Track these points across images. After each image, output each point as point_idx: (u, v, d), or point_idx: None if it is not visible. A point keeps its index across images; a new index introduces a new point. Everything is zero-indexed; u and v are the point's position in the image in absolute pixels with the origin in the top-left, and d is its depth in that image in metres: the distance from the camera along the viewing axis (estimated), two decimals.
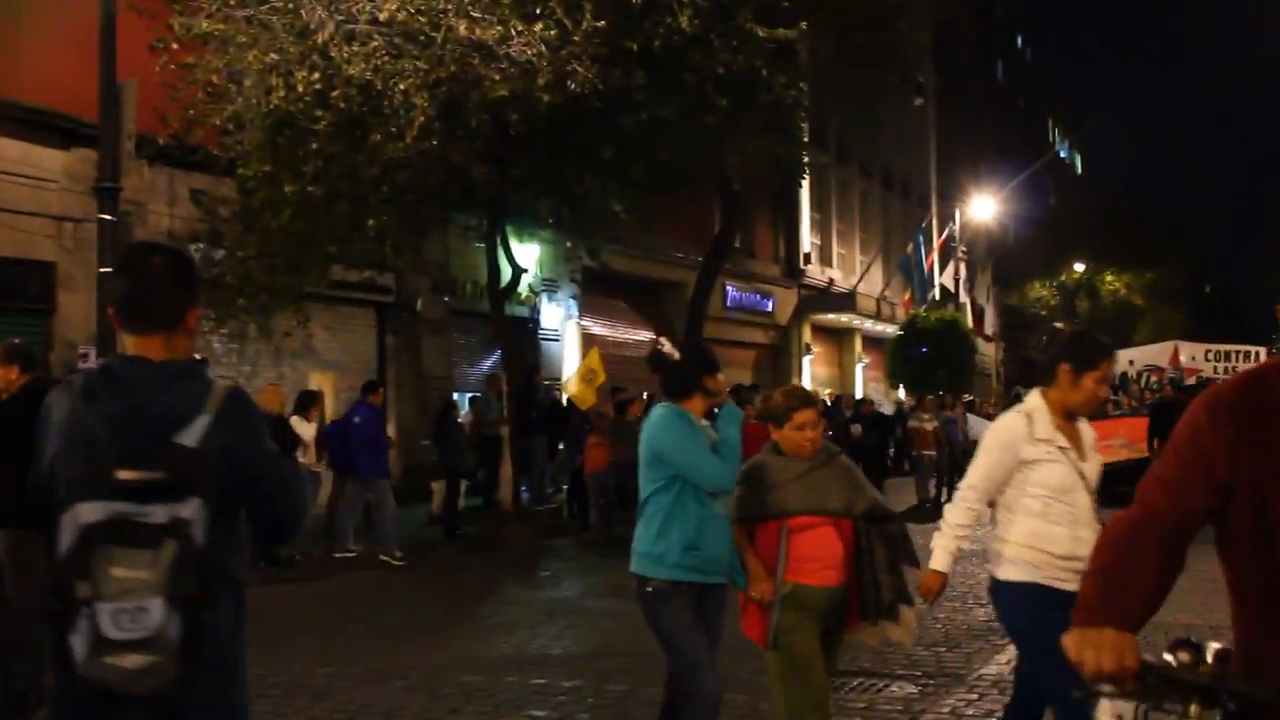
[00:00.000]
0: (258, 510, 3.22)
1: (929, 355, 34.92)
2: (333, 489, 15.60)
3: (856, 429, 22.11)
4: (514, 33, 13.58)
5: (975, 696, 7.72)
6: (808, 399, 5.64)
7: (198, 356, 3.36)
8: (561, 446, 20.19)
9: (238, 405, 3.08)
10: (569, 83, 14.06)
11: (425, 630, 10.71)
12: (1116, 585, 2.50)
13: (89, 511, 2.82)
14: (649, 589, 5.42)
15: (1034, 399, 5.05)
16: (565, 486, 19.60)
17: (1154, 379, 30.51)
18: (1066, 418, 5.00)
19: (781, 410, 5.47)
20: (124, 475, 2.83)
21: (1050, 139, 69.32)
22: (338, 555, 14.54)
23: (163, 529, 2.81)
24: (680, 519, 5.31)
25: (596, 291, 26.85)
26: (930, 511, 20.05)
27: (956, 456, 22.00)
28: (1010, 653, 8.87)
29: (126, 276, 3.19)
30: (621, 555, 14.17)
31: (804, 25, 15.39)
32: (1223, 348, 33.27)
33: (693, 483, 5.31)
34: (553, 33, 13.71)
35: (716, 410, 5.69)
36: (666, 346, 5.62)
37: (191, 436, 2.93)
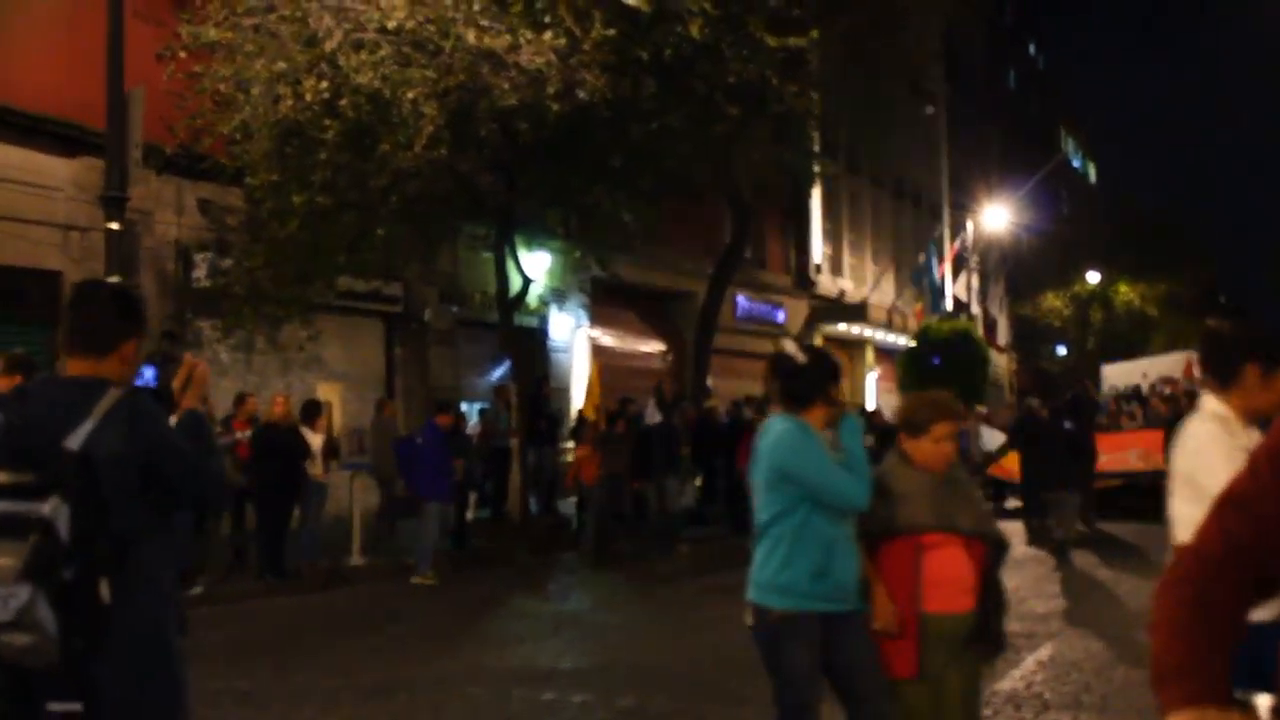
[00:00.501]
0: (176, 493, 3.57)
1: (941, 366, 34.74)
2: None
3: (868, 439, 21.93)
4: (523, 41, 13.53)
5: (990, 713, 7.57)
6: (950, 410, 5.19)
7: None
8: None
9: (124, 409, 3.42)
10: (578, 91, 14.00)
11: (432, 642, 10.60)
12: (1204, 647, 2.06)
13: None
14: (772, 621, 4.83)
15: (1214, 403, 4.47)
16: (575, 499, 19.46)
17: (1168, 390, 30.24)
18: (1251, 422, 4.43)
19: (923, 420, 5.04)
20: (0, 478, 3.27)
21: (1063, 148, 69.16)
22: (415, 581, 14.08)
23: (29, 522, 3.17)
24: (808, 543, 4.79)
25: (606, 302, 26.76)
26: None
27: (970, 468, 21.83)
28: (1026, 668, 8.76)
29: (70, 308, 3.67)
30: (621, 569, 14.03)
31: (815, 34, 15.28)
32: None
33: (825, 503, 4.79)
34: (562, 41, 13.65)
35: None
36: (791, 348, 5.12)
37: (75, 440, 3.32)
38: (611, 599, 13.39)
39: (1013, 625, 10.50)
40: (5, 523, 3.19)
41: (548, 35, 13.64)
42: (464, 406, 20.35)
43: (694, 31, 14.40)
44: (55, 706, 3.32)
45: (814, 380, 4.97)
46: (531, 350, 22.37)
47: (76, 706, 3.32)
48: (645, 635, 10.82)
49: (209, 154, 15.11)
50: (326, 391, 16.47)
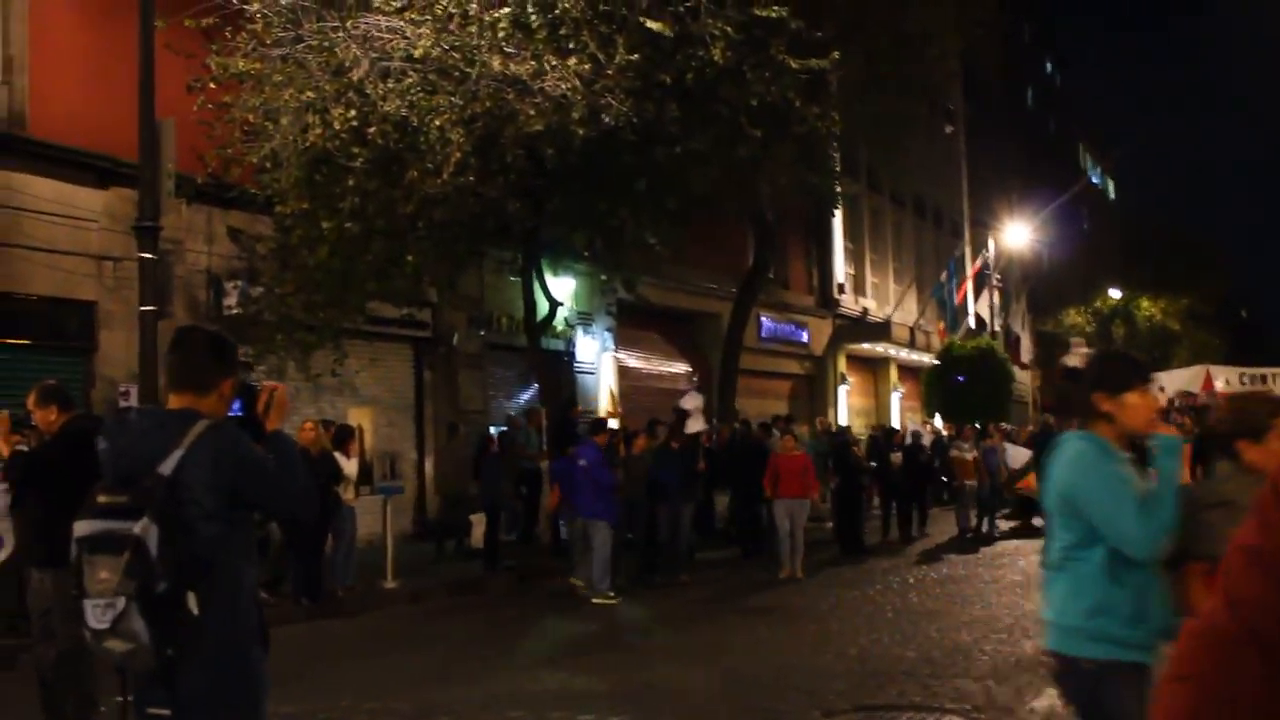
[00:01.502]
0: (264, 509, 4.12)
1: (965, 384, 34.72)
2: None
3: (896, 457, 21.96)
4: (547, 67, 13.62)
5: None
6: None
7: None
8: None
9: (209, 437, 3.74)
10: (603, 116, 14.08)
11: (468, 665, 10.65)
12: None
13: (82, 527, 3.65)
14: (1085, 671, 4.06)
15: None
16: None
17: (1188, 404, 30.10)
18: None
19: (1262, 419, 4.42)
20: (102, 499, 3.67)
21: (1082, 165, 69.05)
22: (596, 601, 14.32)
23: (126, 540, 3.52)
24: (1118, 583, 4.00)
25: (631, 324, 26.83)
26: (971, 542, 19.90)
27: (998, 486, 21.82)
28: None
29: (172, 351, 4.10)
30: (643, 593, 13.89)
31: (836, 55, 15.34)
32: (1257, 370, 32.80)
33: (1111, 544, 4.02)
34: (586, 66, 13.73)
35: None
36: (1076, 356, 4.32)
37: (168, 466, 3.65)
38: (639, 622, 13.41)
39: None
40: (105, 540, 3.57)
41: (572, 61, 13.73)
42: (492, 429, 20.46)
43: (716, 55, 14.43)
44: (152, 711, 3.69)
45: (1103, 384, 4.23)
46: (559, 373, 22.46)
47: (166, 712, 3.66)
48: (675, 658, 10.85)
49: (238, 183, 15.27)
50: (358, 416, 16.59)
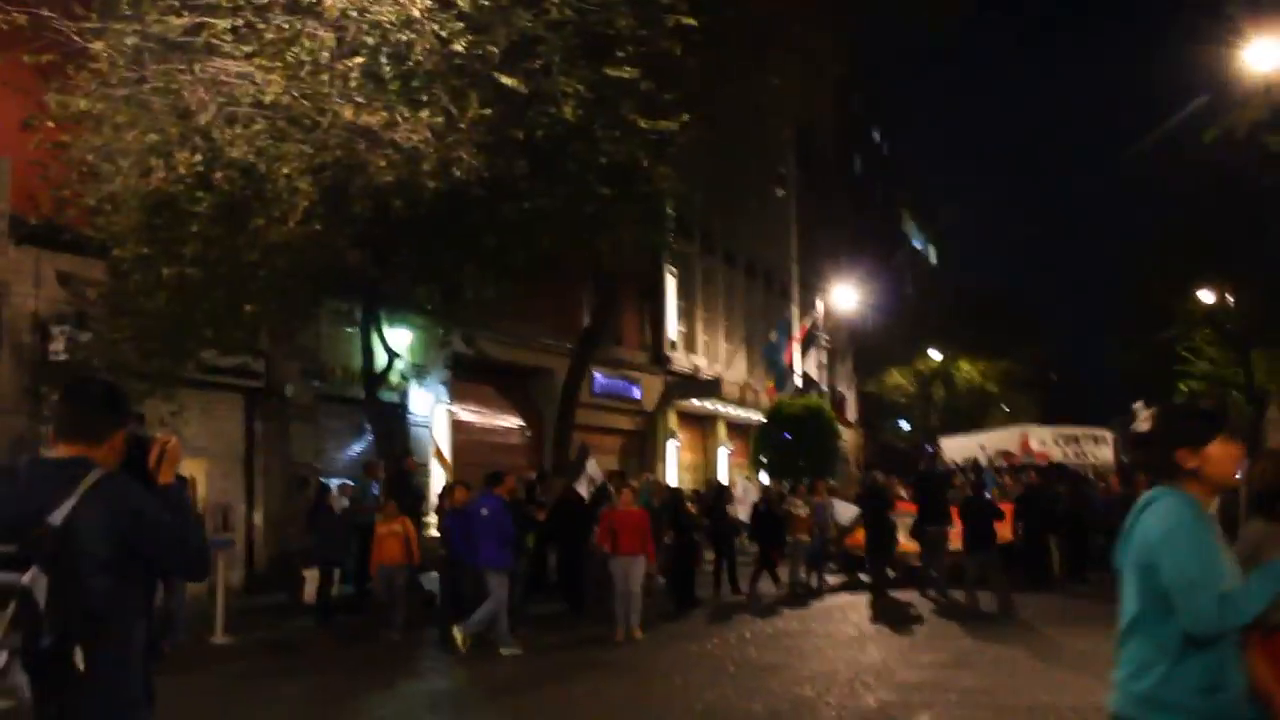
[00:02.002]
0: (159, 564, 3.83)
1: (792, 442, 35.41)
2: (445, 579, 16.21)
3: (732, 510, 22.34)
4: (399, 119, 13.57)
5: None
6: None
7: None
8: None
9: (103, 487, 3.63)
10: (454, 169, 14.08)
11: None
12: None
13: None
14: None
15: None
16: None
17: (1008, 464, 31.14)
18: None
19: None
20: None
21: (905, 230, 71.32)
22: (504, 651, 14.11)
23: (11, 591, 3.39)
24: (1194, 649, 3.72)
25: (465, 378, 26.73)
26: (803, 597, 20.22)
27: (826, 541, 22.24)
28: None
29: (63, 400, 4.05)
30: (483, 648, 13.70)
31: (686, 118, 15.64)
32: (1071, 431, 34.17)
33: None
34: (439, 119, 13.72)
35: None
36: (1142, 418, 4.33)
37: (58, 516, 3.52)
38: (483, 680, 13.29)
39: (888, 696, 10.81)
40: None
41: (424, 113, 13.71)
42: (324, 481, 20.11)
43: (568, 113, 14.57)
44: None
45: (1183, 439, 3.97)
46: (393, 426, 22.22)
47: None
48: (524, 717, 10.79)
49: (72, 226, 14.83)
50: (190, 467, 16.06)
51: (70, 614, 3.46)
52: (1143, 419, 4.16)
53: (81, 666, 3.46)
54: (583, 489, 19.90)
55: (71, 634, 3.46)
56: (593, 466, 21.33)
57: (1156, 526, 3.83)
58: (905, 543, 21.37)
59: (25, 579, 3.42)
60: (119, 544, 3.62)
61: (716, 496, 23.34)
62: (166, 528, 3.76)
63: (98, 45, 13.60)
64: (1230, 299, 45.57)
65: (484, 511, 15.00)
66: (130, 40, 13.40)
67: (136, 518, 3.68)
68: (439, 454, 23.30)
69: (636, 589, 15.96)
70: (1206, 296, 45.20)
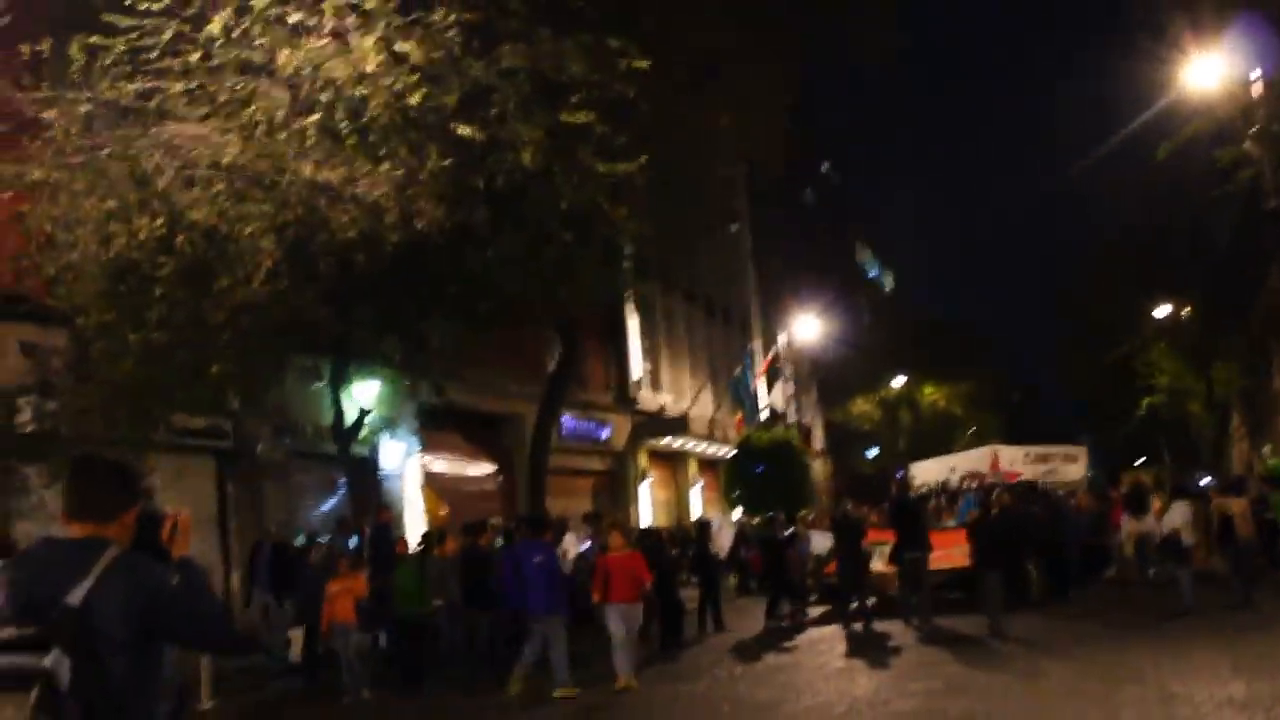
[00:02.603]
0: (182, 640, 3.91)
1: (765, 474, 35.44)
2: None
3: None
4: (359, 174, 13.56)
5: None
6: None
7: None
8: None
9: (120, 566, 3.61)
10: (416, 221, 14.07)
11: None
12: None
13: None
14: None
15: None
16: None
17: (977, 484, 31.11)
18: None
19: None
20: (5, 633, 3.46)
21: (859, 260, 71.76)
22: (559, 694, 14.10)
23: (34, 675, 3.34)
24: None
25: (434, 427, 26.66)
26: (788, 630, 20.14)
27: (805, 575, 22.21)
28: None
29: (72, 478, 3.96)
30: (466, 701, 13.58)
31: (644, 159, 15.69)
32: (1042, 449, 34.18)
33: None
34: (399, 172, 13.72)
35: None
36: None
37: (75, 597, 3.50)
38: None
39: None
40: (13, 675, 3.38)
41: (384, 167, 13.71)
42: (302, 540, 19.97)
43: (526, 159, 14.61)
44: None
45: None
46: (366, 480, 22.10)
47: None
48: None
49: (32, 296, 14.71)
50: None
51: (92, 696, 3.43)
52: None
53: None
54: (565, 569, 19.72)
55: (95, 716, 3.43)
56: (569, 540, 21.08)
57: None
58: (883, 567, 21.34)
59: (47, 662, 3.39)
60: (137, 624, 3.59)
61: (700, 532, 23.20)
62: (186, 603, 3.76)
63: (51, 114, 13.55)
64: (1184, 313, 46.06)
65: (537, 559, 14.85)
66: (83, 109, 13.37)
67: (156, 595, 3.66)
68: (431, 497, 23.14)
69: (634, 637, 15.16)
70: (1162, 311, 45.66)
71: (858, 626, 18.84)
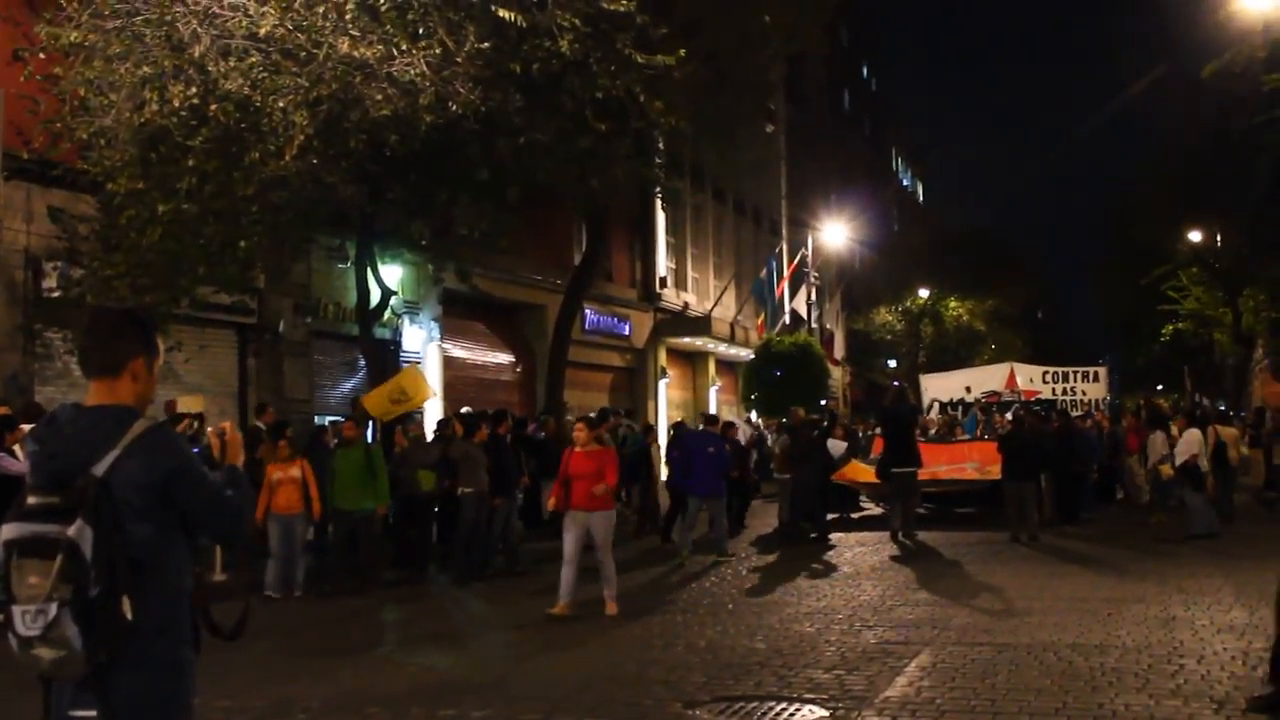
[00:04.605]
0: (196, 521, 3.75)
1: (782, 379, 35.43)
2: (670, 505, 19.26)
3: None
4: (396, 52, 13.42)
5: (888, 718, 7.81)
6: None
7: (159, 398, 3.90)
8: None
9: (147, 439, 3.63)
10: (450, 104, 13.96)
11: (316, 661, 10.45)
12: None
13: (10, 530, 3.48)
14: None
15: None
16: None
17: (991, 401, 31.05)
18: None
19: None
20: (31, 501, 3.51)
21: (894, 167, 71.08)
22: (720, 559, 16.81)
23: (58, 544, 3.38)
24: None
25: (457, 314, 26.66)
26: (793, 535, 20.22)
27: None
28: (910, 674, 9.04)
29: (83, 334, 3.96)
30: (488, 585, 13.64)
31: (683, 52, 15.49)
32: (1061, 369, 33.91)
33: None
34: (436, 52, 13.58)
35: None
36: None
37: (101, 467, 3.53)
38: (486, 616, 13.36)
39: (888, 633, 10.87)
40: (35, 544, 3.43)
41: (421, 47, 13.56)
42: (318, 419, 20.10)
43: (564, 46, 14.44)
44: (76, 713, 3.54)
45: None
46: (386, 362, 22.15)
47: (92, 713, 3.52)
48: (528, 652, 10.83)
49: (63, 160, 14.65)
50: (189, 404, 15.99)
51: (116, 564, 3.46)
52: None
53: (129, 616, 3.46)
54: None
55: (118, 584, 3.45)
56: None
57: None
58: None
59: (71, 531, 3.42)
60: (157, 492, 3.61)
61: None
62: (206, 487, 3.75)
63: None
64: (1219, 238, 45.57)
65: (709, 449, 17.37)
66: None
67: (176, 470, 3.65)
68: (417, 377, 22.88)
69: (605, 554, 12.63)
70: (1195, 236, 45.17)
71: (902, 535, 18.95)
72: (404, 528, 16.89)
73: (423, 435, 18.32)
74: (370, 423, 18.17)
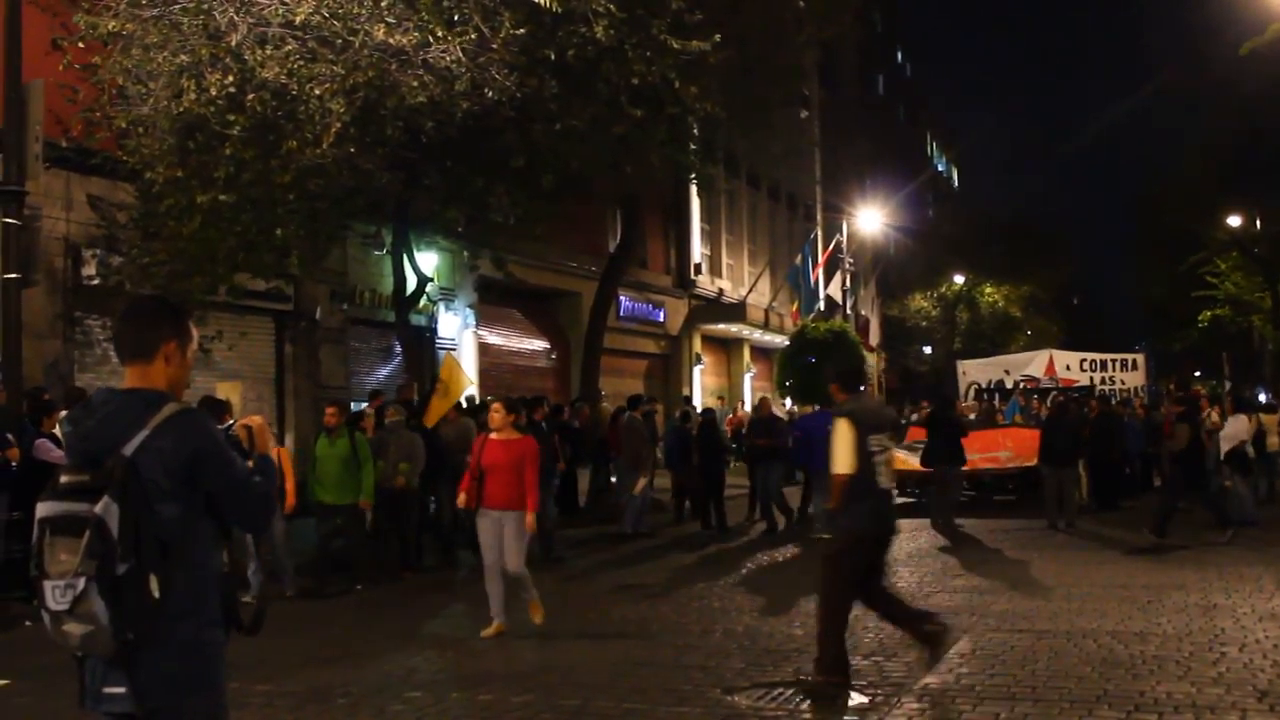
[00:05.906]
0: (220, 504, 3.79)
1: (817, 365, 35.26)
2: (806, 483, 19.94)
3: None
4: (432, 39, 13.43)
5: (928, 705, 7.78)
6: None
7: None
8: None
9: (176, 420, 3.68)
10: (486, 90, 13.95)
11: (356, 646, 10.49)
12: None
13: (44, 509, 3.57)
14: None
15: None
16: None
17: (1030, 388, 30.93)
18: None
19: None
20: (64, 479, 3.60)
21: (929, 152, 70.68)
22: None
23: (86, 521, 3.46)
24: None
25: (492, 301, 26.73)
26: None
27: None
28: (949, 661, 9.00)
29: (118, 322, 4.04)
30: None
31: (718, 37, 15.44)
32: (1099, 356, 33.72)
33: None
34: (472, 37, 13.57)
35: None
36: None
37: (130, 448, 3.59)
38: (521, 602, 13.36)
39: None
40: (65, 521, 3.52)
41: (457, 33, 13.55)
42: (352, 405, 20.16)
43: (599, 32, 14.40)
44: (108, 690, 3.59)
45: None
46: (422, 349, 22.23)
47: (122, 690, 3.57)
48: (567, 638, 10.83)
49: (102, 149, 14.74)
50: (226, 391, 16.11)
51: (143, 542, 3.52)
52: None
53: (156, 593, 3.52)
54: None
55: (145, 561, 3.52)
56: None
57: None
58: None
59: (98, 508, 3.48)
60: (181, 476, 3.66)
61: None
62: (233, 470, 3.80)
63: None
64: (1258, 222, 45.12)
65: (829, 427, 16.25)
66: None
67: (201, 453, 3.70)
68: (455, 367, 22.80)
69: (513, 564, 10.65)
70: (1234, 220, 44.72)
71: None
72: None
73: (401, 421, 15.89)
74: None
